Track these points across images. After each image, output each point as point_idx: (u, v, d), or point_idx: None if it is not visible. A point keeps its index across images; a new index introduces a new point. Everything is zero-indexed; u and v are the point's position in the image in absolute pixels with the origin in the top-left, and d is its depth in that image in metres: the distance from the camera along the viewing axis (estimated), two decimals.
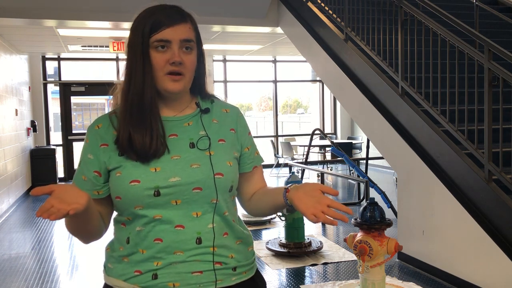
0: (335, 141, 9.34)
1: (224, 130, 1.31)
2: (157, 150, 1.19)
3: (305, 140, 9.79)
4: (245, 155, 1.34)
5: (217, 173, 1.22)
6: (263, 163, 1.41)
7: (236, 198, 1.36)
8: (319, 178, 7.23)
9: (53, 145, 9.33)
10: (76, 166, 9.99)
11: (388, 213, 5.12)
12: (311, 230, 5.34)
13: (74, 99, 9.84)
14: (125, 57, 1.24)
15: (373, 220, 1.81)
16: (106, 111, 1.40)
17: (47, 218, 1.01)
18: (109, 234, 1.32)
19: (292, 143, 9.82)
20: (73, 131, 9.61)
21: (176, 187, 1.18)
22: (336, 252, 4.52)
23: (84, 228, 1.21)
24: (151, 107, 1.21)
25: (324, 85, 10.19)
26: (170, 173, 1.18)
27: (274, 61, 10.85)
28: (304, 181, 7.15)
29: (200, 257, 1.19)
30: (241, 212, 1.44)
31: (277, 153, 10.05)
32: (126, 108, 1.22)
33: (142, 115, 1.20)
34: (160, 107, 1.26)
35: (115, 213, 1.29)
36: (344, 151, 6.23)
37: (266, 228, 5.48)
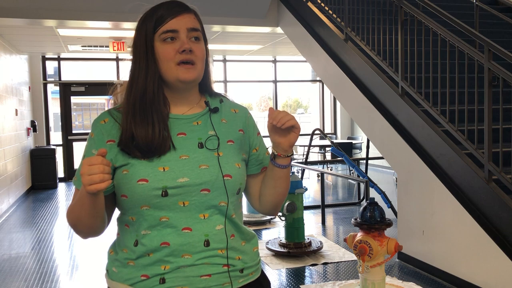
0: (335, 141, 9.33)
1: (232, 130, 1.29)
2: (161, 145, 1.16)
3: (305, 140, 9.78)
4: (253, 156, 1.32)
5: (226, 174, 1.20)
6: None
7: (242, 200, 1.33)
8: (319, 178, 7.22)
9: (53, 145, 9.34)
10: (76, 166, 9.85)
11: (388, 213, 5.12)
12: (311, 230, 5.34)
13: (74, 99, 9.84)
14: (130, 57, 1.23)
15: (373, 220, 1.81)
16: None
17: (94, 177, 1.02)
18: (111, 237, 1.30)
19: None
20: (73, 131, 9.62)
21: (184, 188, 1.16)
22: (336, 252, 4.52)
23: (89, 220, 1.15)
24: (153, 102, 1.19)
25: (324, 85, 10.19)
26: (179, 173, 1.16)
27: (274, 61, 10.84)
28: (304, 181, 7.14)
29: (209, 260, 1.17)
30: None
31: None
32: (128, 106, 1.20)
33: (144, 111, 1.18)
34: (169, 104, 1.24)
35: (118, 213, 1.27)
36: (344, 151, 6.22)
37: (266, 228, 5.47)
